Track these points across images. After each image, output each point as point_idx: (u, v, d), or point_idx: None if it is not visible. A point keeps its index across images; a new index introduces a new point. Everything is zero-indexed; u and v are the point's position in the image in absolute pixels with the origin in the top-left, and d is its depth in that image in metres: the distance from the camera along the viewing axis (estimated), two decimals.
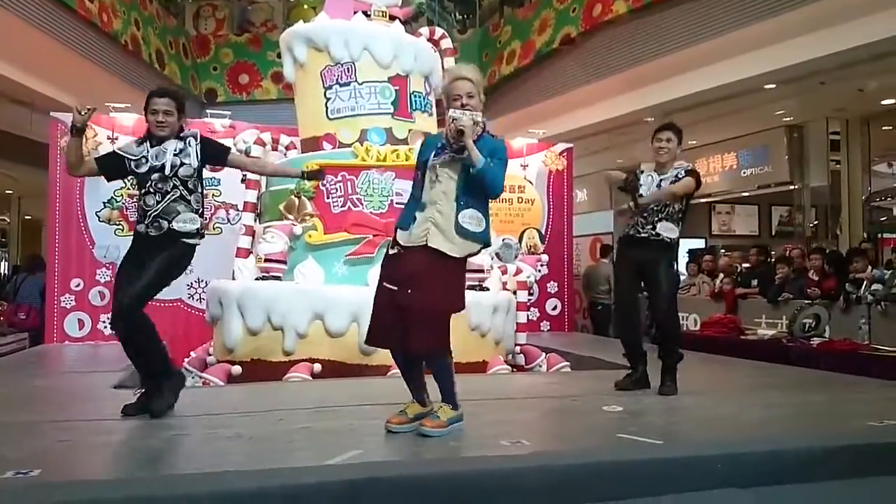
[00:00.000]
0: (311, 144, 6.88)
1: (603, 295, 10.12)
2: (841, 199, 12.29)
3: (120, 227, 7.94)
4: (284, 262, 6.09)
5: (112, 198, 7.94)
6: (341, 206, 6.22)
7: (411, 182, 3.31)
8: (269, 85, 15.30)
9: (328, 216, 6.19)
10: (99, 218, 7.90)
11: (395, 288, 3.04)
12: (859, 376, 5.05)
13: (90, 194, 7.87)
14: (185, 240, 3.53)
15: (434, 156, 3.18)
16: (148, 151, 3.57)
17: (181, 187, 3.54)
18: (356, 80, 6.71)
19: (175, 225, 3.50)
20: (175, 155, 3.54)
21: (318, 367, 5.46)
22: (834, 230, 12.44)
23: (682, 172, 4.35)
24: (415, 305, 2.97)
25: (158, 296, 3.59)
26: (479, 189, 3.13)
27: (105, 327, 7.77)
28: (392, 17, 7.19)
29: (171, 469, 2.66)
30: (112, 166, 3.68)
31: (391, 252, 3.18)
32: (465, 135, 3.05)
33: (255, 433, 3.20)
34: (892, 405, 3.91)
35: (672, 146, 4.37)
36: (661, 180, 4.36)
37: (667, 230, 4.31)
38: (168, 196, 3.51)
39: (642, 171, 4.49)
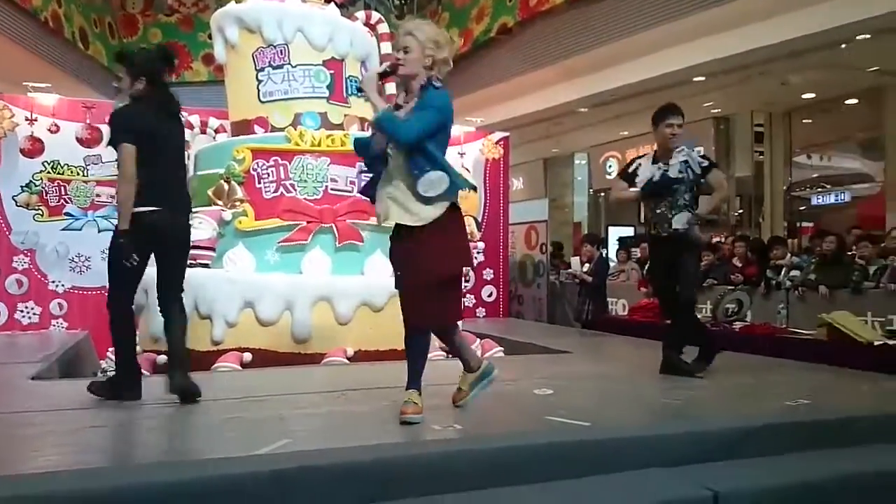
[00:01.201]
0: (242, 128, 6.71)
1: None
2: (764, 189, 12.80)
3: (39, 212, 7.59)
4: (213, 249, 5.94)
5: (31, 181, 7.57)
6: (273, 192, 6.09)
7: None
8: (200, 67, 14.91)
9: (259, 202, 6.06)
10: (16, 202, 7.53)
11: (398, 274, 3.12)
12: (778, 358, 5.27)
13: (5, 178, 7.48)
14: None
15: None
16: None
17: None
18: (290, 63, 6.57)
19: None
20: None
21: (248, 356, 5.35)
22: (757, 219, 12.95)
23: (696, 164, 4.27)
24: (405, 287, 3.09)
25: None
26: (423, 146, 3.01)
27: (23, 316, 7.43)
28: (327, 0, 7.07)
29: (94, 462, 2.56)
30: None
31: (392, 235, 3.15)
32: (365, 89, 3.04)
33: (179, 424, 3.12)
34: (807, 385, 4.10)
35: (682, 131, 4.28)
36: (666, 171, 4.27)
37: (681, 222, 4.28)
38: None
39: (639, 165, 4.36)
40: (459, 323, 3.36)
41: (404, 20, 3.19)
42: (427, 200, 3.01)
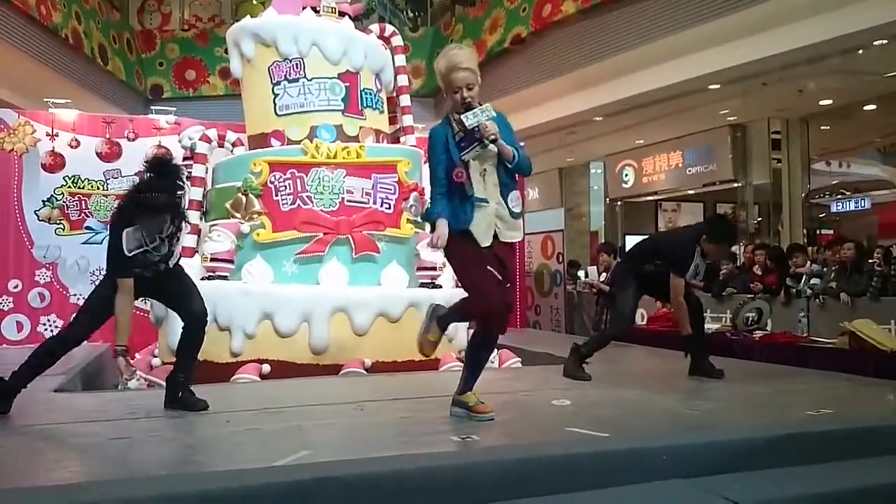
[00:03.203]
0: (259, 141, 6.77)
1: None
2: (782, 196, 12.69)
3: (60, 226, 7.70)
4: (231, 262, 5.98)
5: (52, 196, 7.69)
6: (290, 204, 6.13)
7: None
8: (217, 81, 15.05)
9: (277, 214, 6.10)
10: (38, 217, 7.64)
11: (500, 279, 3.23)
12: (799, 367, 5.21)
13: (28, 193, 7.61)
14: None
15: (464, 151, 3.17)
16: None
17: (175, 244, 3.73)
18: (305, 77, 6.63)
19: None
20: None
21: (267, 367, 5.39)
22: (776, 226, 12.83)
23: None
24: (511, 296, 3.39)
25: None
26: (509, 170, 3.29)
27: (45, 330, 7.51)
28: (342, 14, 7.13)
29: (114, 474, 2.58)
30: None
31: (483, 247, 3.20)
32: (497, 140, 3.14)
33: (198, 436, 3.14)
34: (828, 395, 4.05)
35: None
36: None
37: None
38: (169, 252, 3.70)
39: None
40: None
41: (452, 51, 3.22)
42: (517, 216, 3.31)
